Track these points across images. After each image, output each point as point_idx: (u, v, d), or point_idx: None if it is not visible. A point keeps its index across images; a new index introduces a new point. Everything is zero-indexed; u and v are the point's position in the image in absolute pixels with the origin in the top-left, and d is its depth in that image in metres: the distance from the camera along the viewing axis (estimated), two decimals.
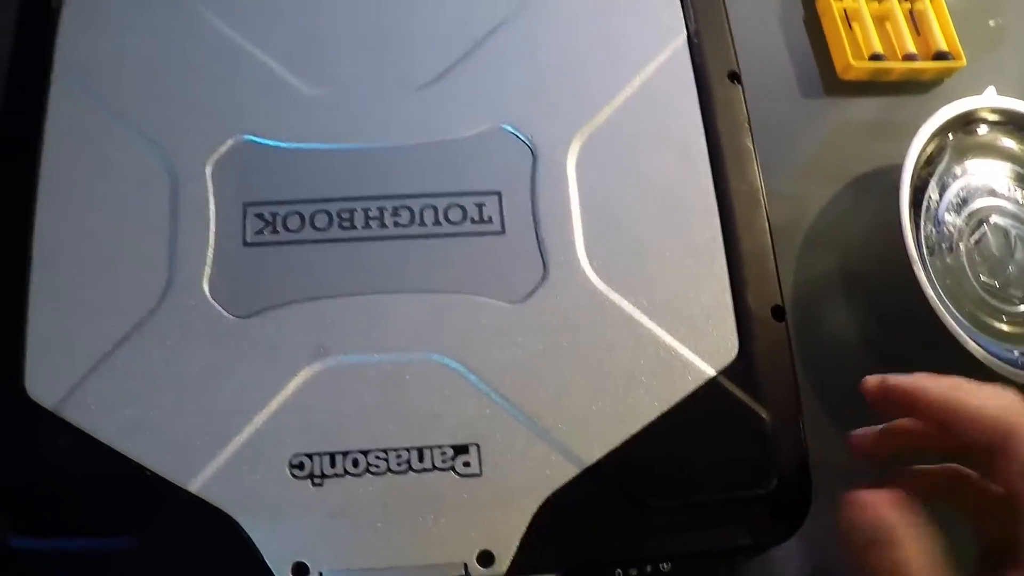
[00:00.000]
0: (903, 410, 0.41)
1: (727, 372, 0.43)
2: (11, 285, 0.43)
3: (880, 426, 0.43)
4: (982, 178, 0.58)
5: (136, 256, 0.44)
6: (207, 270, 0.43)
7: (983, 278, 0.56)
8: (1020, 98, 0.59)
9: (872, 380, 0.42)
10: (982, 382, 0.39)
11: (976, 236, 0.57)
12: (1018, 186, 0.58)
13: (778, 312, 0.45)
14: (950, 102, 0.57)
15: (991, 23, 0.69)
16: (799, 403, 0.44)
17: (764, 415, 0.43)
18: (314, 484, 0.40)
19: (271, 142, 0.46)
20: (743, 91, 0.49)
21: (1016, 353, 0.54)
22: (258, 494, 0.40)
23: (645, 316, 0.44)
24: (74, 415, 0.41)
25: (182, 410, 0.41)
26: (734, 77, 0.49)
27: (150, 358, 0.42)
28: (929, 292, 0.51)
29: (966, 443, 0.39)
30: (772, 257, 0.46)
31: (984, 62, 0.66)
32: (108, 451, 0.40)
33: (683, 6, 0.51)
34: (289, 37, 0.48)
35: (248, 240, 0.44)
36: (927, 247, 0.55)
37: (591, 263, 0.44)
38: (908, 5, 0.65)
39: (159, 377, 0.41)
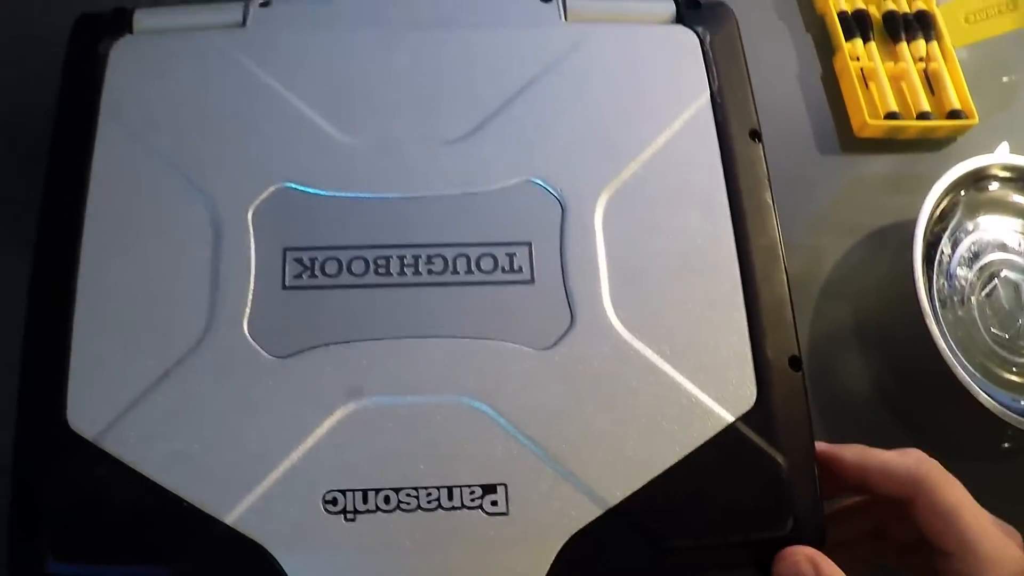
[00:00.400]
0: (831, 475, 0.45)
1: (745, 419, 0.44)
2: (56, 320, 0.44)
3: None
4: (993, 233, 0.59)
5: (178, 296, 0.45)
6: (247, 311, 0.45)
7: (994, 330, 0.57)
8: None
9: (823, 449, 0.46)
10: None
11: (987, 290, 0.58)
12: None
13: (795, 362, 0.46)
14: (963, 159, 0.58)
15: (1004, 80, 0.70)
16: (814, 449, 0.45)
17: (780, 460, 0.44)
18: (347, 519, 0.41)
19: (311, 190, 0.47)
20: (763, 149, 0.50)
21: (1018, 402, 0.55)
22: (292, 528, 0.41)
23: (667, 364, 0.45)
24: (114, 446, 0.42)
25: (220, 445, 0.42)
26: (755, 135, 0.50)
27: (190, 394, 0.43)
28: (940, 344, 0.53)
29: (883, 497, 0.44)
30: (790, 309, 0.47)
31: (997, 118, 0.68)
32: (146, 482, 0.41)
33: (706, 67, 0.52)
34: (329, 90, 0.50)
35: (287, 284, 0.45)
36: (939, 300, 0.56)
37: (616, 312, 0.45)
38: (923, 65, 0.67)
39: (198, 412, 0.43)
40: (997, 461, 0.58)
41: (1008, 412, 0.53)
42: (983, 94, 0.67)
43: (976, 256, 0.59)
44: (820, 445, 0.45)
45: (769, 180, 0.50)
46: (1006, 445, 0.57)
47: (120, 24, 0.51)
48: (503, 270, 0.46)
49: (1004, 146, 0.65)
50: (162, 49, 0.51)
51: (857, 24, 0.67)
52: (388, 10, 0.53)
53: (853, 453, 0.45)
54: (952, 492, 0.43)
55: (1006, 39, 0.67)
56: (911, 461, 0.44)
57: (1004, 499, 0.55)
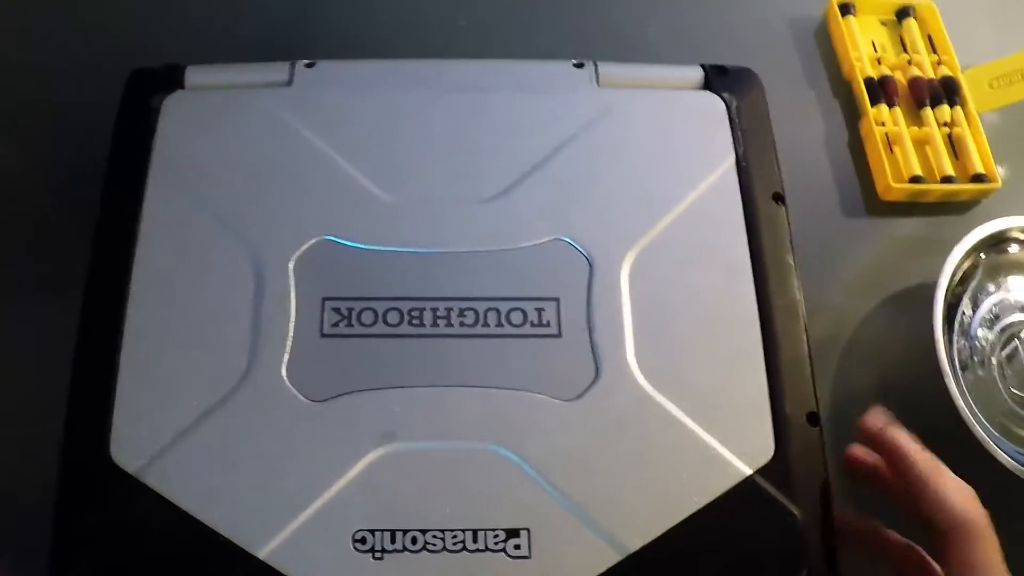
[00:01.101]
0: (887, 459, 0.46)
1: (763, 472, 0.45)
2: (103, 358, 0.46)
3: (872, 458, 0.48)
4: (1014, 295, 0.60)
5: (221, 340, 0.47)
6: (286, 357, 0.46)
7: (1014, 390, 0.57)
8: None
9: (876, 422, 0.47)
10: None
11: (1007, 350, 0.58)
12: None
13: (813, 418, 0.47)
14: (986, 221, 0.59)
15: None
16: (830, 502, 0.45)
17: (796, 513, 0.44)
18: (375, 558, 0.42)
19: (350, 243, 0.49)
20: (787, 211, 0.52)
21: None
22: (322, 564, 0.42)
23: (688, 417, 0.46)
24: (154, 481, 0.44)
25: (255, 483, 0.44)
26: (778, 198, 0.52)
27: (229, 434, 0.45)
28: (960, 404, 0.53)
29: (926, 518, 0.44)
30: (809, 366, 0.48)
31: (1019, 177, 0.69)
32: (184, 516, 0.43)
33: (732, 131, 0.53)
34: (370, 148, 0.52)
35: (325, 331, 0.47)
36: (960, 360, 0.57)
37: (640, 367, 0.47)
38: (947, 130, 0.67)
39: (236, 451, 0.44)
40: (1017, 520, 0.58)
41: None
42: (1009, 157, 0.68)
43: (997, 317, 0.59)
44: (894, 431, 0.47)
45: (791, 241, 0.51)
46: None
47: (172, 79, 0.54)
48: (532, 324, 0.48)
49: None
50: (211, 105, 0.53)
51: (883, 90, 0.68)
52: (429, 73, 0.55)
53: (927, 467, 0.45)
54: (987, 552, 0.43)
55: None
56: (967, 508, 0.44)
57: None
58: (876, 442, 0.47)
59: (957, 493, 0.44)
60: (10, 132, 0.65)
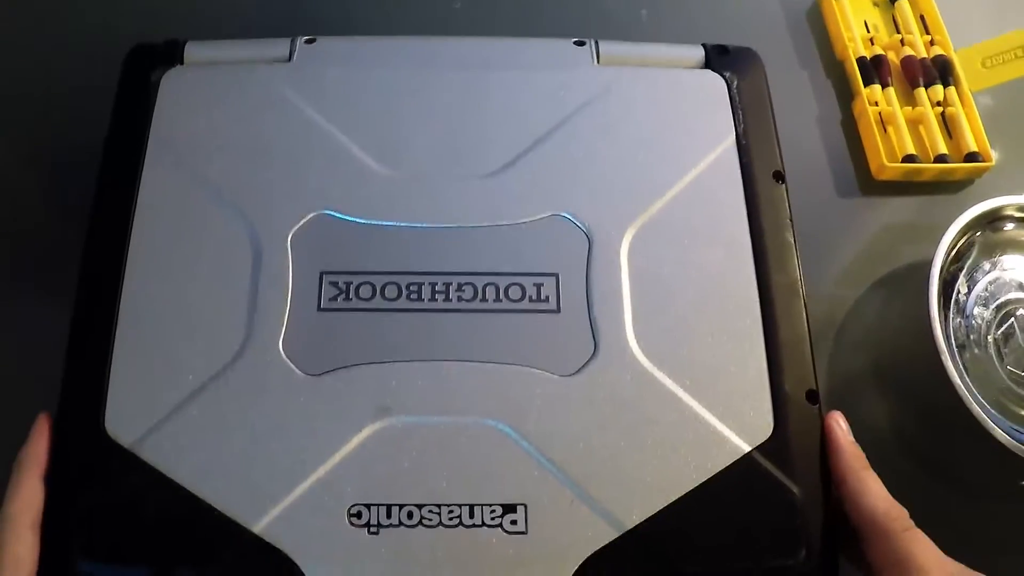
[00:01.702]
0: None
1: (761, 449, 0.45)
2: (99, 332, 0.46)
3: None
4: (1010, 273, 0.60)
5: (218, 314, 0.47)
6: (283, 331, 0.46)
7: (1010, 368, 0.57)
8: None
9: (834, 421, 0.47)
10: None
11: (1004, 329, 0.58)
12: None
13: (812, 395, 0.47)
14: (981, 200, 0.59)
15: None
16: (829, 480, 0.46)
17: (795, 490, 0.45)
18: (370, 532, 0.43)
19: (348, 218, 0.49)
20: (786, 190, 0.52)
21: None
22: (317, 539, 0.42)
23: (687, 394, 0.46)
24: (149, 454, 0.44)
25: (251, 457, 0.44)
26: (779, 177, 0.52)
27: (225, 407, 0.45)
28: (957, 382, 0.53)
29: (847, 510, 0.45)
30: (808, 344, 0.48)
31: (1016, 160, 0.69)
32: (179, 489, 0.43)
33: (733, 110, 0.53)
34: (369, 124, 0.52)
35: (322, 306, 0.47)
36: (956, 339, 0.57)
37: (638, 343, 0.47)
38: (940, 109, 0.68)
39: (232, 425, 0.44)
40: (1015, 499, 0.59)
41: None
42: (1003, 136, 0.69)
43: (993, 295, 0.59)
44: (835, 427, 0.47)
45: (791, 220, 0.51)
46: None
47: (172, 55, 0.54)
48: (530, 299, 0.48)
49: None
50: (211, 80, 0.53)
51: (876, 69, 0.68)
52: (429, 50, 0.55)
53: (851, 458, 0.46)
54: (911, 544, 0.42)
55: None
56: (883, 504, 0.44)
57: (1020, 533, 0.56)
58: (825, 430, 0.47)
59: (875, 489, 0.45)
60: (7, 109, 0.65)
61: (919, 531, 0.43)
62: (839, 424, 0.47)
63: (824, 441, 0.47)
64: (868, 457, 0.46)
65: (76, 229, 0.49)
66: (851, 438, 0.47)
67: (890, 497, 0.44)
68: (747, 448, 0.45)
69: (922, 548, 0.42)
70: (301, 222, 0.49)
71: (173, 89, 0.52)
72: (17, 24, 0.68)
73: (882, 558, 0.43)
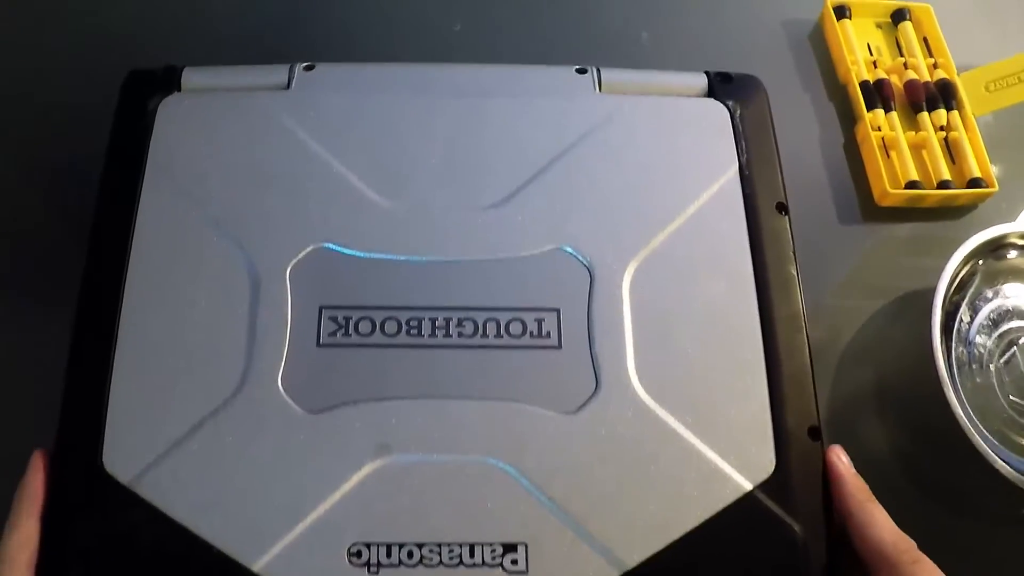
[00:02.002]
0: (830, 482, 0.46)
1: (763, 487, 0.45)
2: (96, 366, 0.46)
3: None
4: (1012, 301, 0.60)
5: (216, 349, 0.46)
6: (282, 366, 0.46)
7: (1012, 397, 0.57)
8: None
9: (835, 455, 0.47)
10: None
11: (1006, 357, 0.58)
12: None
13: (814, 432, 0.47)
14: (983, 226, 0.59)
15: None
16: (831, 518, 0.45)
17: (796, 529, 0.44)
18: (370, 572, 0.42)
19: (348, 251, 0.48)
20: (790, 221, 0.51)
21: None
22: None
23: (689, 431, 0.46)
24: (147, 491, 0.43)
25: (251, 495, 0.43)
26: (782, 208, 0.51)
27: (223, 444, 0.44)
28: (958, 411, 0.53)
29: (854, 546, 0.44)
30: (811, 379, 0.48)
31: (1018, 185, 0.68)
32: (177, 527, 0.43)
33: (736, 140, 0.53)
34: (369, 153, 0.51)
35: (322, 341, 0.47)
36: (958, 367, 0.57)
37: (640, 379, 0.46)
38: (943, 134, 0.67)
39: (231, 462, 0.44)
40: (1017, 524, 0.59)
41: None
42: (1005, 160, 0.68)
43: (995, 324, 0.59)
44: (837, 460, 0.47)
45: (795, 252, 0.51)
46: None
47: (169, 81, 0.53)
48: (531, 335, 0.47)
49: None
50: (209, 107, 0.52)
51: (879, 93, 0.68)
52: (429, 77, 0.54)
53: (855, 490, 0.46)
54: None
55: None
56: (891, 537, 0.44)
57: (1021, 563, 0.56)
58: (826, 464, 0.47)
59: (882, 521, 0.44)
60: (5, 134, 0.65)
61: (928, 561, 0.43)
62: (840, 458, 0.47)
63: (827, 476, 0.46)
64: (869, 483, 0.46)
65: (76, 250, 0.48)
66: (853, 470, 0.47)
67: (897, 529, 0.44)
68: (749, 486, 0.45)
69: None
70: (300, 255, 0.48)
71: (171, 117, 0.52)
72: (16, 36, 0.69)
73: None
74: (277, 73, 0.54)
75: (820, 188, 0.66)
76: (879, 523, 0.44)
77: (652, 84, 0.55)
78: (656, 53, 0.71)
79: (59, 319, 0.47)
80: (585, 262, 0.49)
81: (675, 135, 0.53)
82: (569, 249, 0.49)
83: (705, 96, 0.55)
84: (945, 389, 0.54)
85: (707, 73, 0.56)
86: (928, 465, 0.59)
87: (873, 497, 0.46)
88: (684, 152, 0.53)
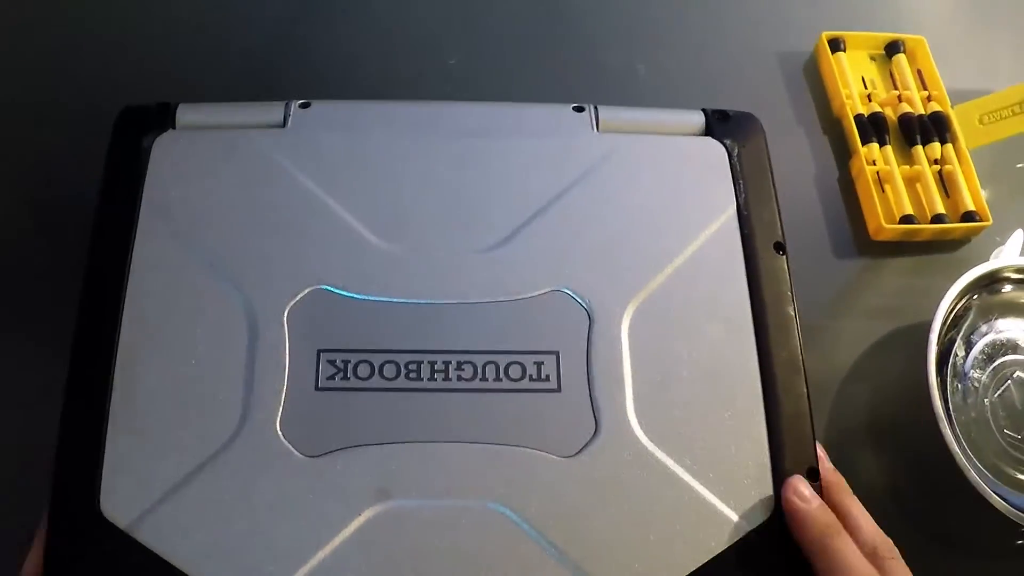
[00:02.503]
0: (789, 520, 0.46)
1: (762, 529, 0.45)
2: (93, 410, 0.45)
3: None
4: (1007, 335, 0.60)
5: (213, 393, 0.46)
6: (280, 410, 0.46)
7: (1007, 431, 0.58)
8: None
9: (792, 492, 0.46)
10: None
11: (1000, 391, 0.59)
12: None
13: (812, 473, 0.47)
14: (978, 259, 0.60)
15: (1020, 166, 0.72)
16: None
17: (795, 572, 0.44)
18: None
19: (346, 293, 0.48)
20: (787, 261, 0.51)
21: None
22: None
23: (688, 474, 0.46)
24: (146, 536, 0.43)
25: (250, 540, 0.43)
26: (779, 248, 0.52)
27: (222, 488, 0.44)
28: (954, 447, 0.54)
29: None
30: (809, 421, 0.48)
31: (1012, 217, 0.69)
32: (176, 573, 0.42)
33: (734, 179, 0.53)
34: (367, 194, 0.51)
35: (320, 385, 0.46)
36: (953, 401, 0.57)
37: (639, 422, 0.46)
38: (937, 167, 0.68)
39: (230, 507, 0.44)
40: (1010, 558, 0.59)
41: (1019, 513, 0.53)
42: (1001, 193, 0.69)
43: (990, 358, 0.60)
44: (797, 502, 0.45)
45: (792, 292, 0.51)
46: (1020, 542, 0.58)
47: (163, 118, 0.53)
48: (531, 378, 0.47)
49: (1018, 233, 0.66)
50: (203, 146, 0.52)
51: (873, 127, 0.68)
52: (427, 116, 0.54)
53: (819, 533, 0.44)
54: None
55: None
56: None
57: None
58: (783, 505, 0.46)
59: (850, 563, 0.43)
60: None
61: None
62: (799, 492, 0.46)
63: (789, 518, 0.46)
64: None
65: (71, 292, 0.48)
66: (817, 502, 0.45)
67: (865, 565, 0.43)
68: (748, 528, 0.45)
69: None
70: (298, 297, 0.48)
71: (165, 155, 0.52)
72: (10, 73, 0.68)
73: None
74: (273, 111, 0.54)
75: (815, 222, 0.67)
76: (843, 566, 0.43)
77: (650, 123, 0.55)
78: (652, 86, 0.71)
79: (55, 363, 0.47)
80: (584, 304, 0.49)
81: (673, 175, 0.53)
82: (568, 291, 0.49)
83: (703, 134, 0.55)
84: (940, 424, 0.54)
85: (704, 111, 0.56)
86: (922, 499, 0.59)
87: (839, 529, 0.45)
88: (682, 192, 0.53)
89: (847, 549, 0.44)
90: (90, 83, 0.67)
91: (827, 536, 0.44)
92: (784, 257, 0.52)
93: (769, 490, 0.46)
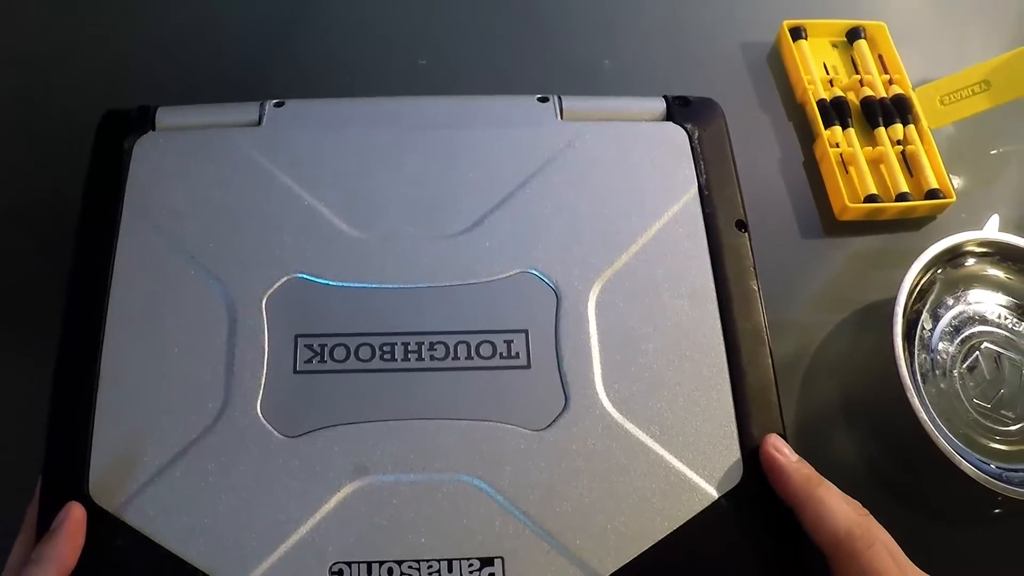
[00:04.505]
0: (769, 476, 0.47)
1: (731, 495, 0.46)
2: (80, 399, 0.47)
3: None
4: (973, 307, 0.61)
5: (196, 379, 0.47)
6: (260, 394, 0.47)
7: (976, 400, 0.59)
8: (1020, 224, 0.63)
9: (772, 448, 0.47)
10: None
11: (969, 362, 0.60)
12: (1007, 313, 0.62)
13: None
14: (943, 236, 0.60)
15: (993, 152, 0.73)
16: (799, 525, 0.46)
17: (765, 535, 0.46)
18: None
19: (321, 280, 0.50)
20: (749, 238, 0.53)
21: (1005, 469, 0.57)
22: None
23: (657, 444, 0.47)
24: (133, 518, 0.44)
25: (233, 518, 0.44)
26: (741, 225, 0.53)
27: (206, 470, 0.45)
28: (922, 415, 0.54)
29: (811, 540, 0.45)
30: (775, 390, 0.49)
31: (976, 195, 0.70)
32: (163, 552, 0.44)
33: (695, 161, 0.55)
34: (340, 186, 0.53)
35: (298, 368, 0.48)
36: (921, 374, 0.58)
37: (608, 395, 0.48)
38: (901, 148, 0.69)
39: (214, 487, 0.45)
40: (987, 527, 0.60)
41: (991, 480, 0.54)
42: (966, 171, 0.70)
43: (957, 330, 0.61)
44: (775, 454, 0.47)
45: (755, 267, 0.52)
46: (996, 511, 0.59)
47: (144, 121, 0.55)
48: (501, 356, 0.48)
49: (994, 219, 0.67)
50: (183, 145, 0.54)
51: (836, 111, 0.70)
52: (396, 110, 0.56)
53: (801, 482, 0.46)
54: (877, 563, 0.43)
55: (988, 116, 0.69)
56: (844, 523, 0.44)
57: (996, 562, 0.58)
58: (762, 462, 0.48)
59: (834, 507, 0.45)
60: None
61: (882, 542, 0.43)
62: (778, 448, 0.47)
63: (767, 472, 0.47)
64: (836, 486, 0.47)
65: (56, 287, 0.50)
66: (795, 457, 0.47)
67: (849, 513, 0.44)
68: (717, 495, 0.46)
69: (890, 567, 0.43)
70: (275, 286, 0.50)
71: (146, 155, 0.53)
72: None
73: None
74: (248, 110, 0.55)
75: (782, 205, 0.68)
76: (829, 512, 0.44)
77: (612, 110, 0.57)
78: (619, 81, 0.72)
79: (43, 356, 0.48)
80: (551, 284, 0.50)
81: (635, 158, 0.55)
82: (535, 272, 0.51)
83: (664, 120, 0.57)
84: (909, 394, 0.55)
85: (665, 97, 0.57)
86: (897, 470, 0.60)
87: (821, 481, 0.46)
88: (645, 175, 0.54)
89: (831, 495, 0.45)
90: (73, 88, 0.69)
91: (810, 485, 0.45)
92: (746, 235, 0.53)
93: (737, 457, 0.47)
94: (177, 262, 0.50)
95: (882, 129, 0.69)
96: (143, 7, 0.73)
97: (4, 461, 0.47)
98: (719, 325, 0.50)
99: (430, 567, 0.44)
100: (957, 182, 0.70)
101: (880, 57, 0.74)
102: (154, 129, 0.54)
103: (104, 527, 0.44)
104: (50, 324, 0.49)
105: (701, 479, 0.47)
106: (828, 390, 0.62)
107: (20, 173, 0.66)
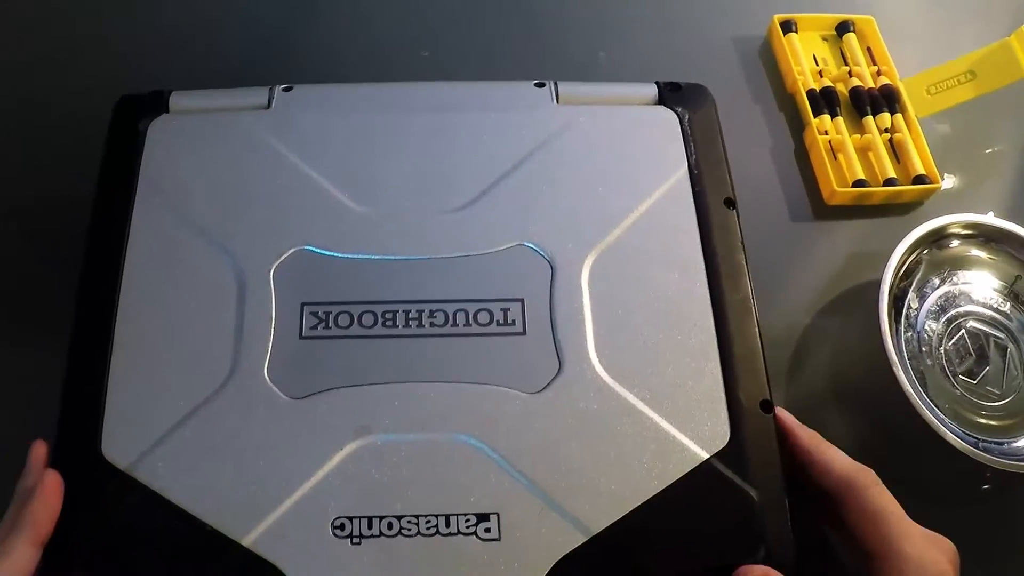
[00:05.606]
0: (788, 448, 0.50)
1: (719, 456, 0.48)
2: (94, 363, 0.49)
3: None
4: (958, 287, 0.63)
5: (206, 343, 0.49)
6: (267, 358, 0.49)
7: (961, 376, 0.60)
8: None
9: (783, 414, 0.51)
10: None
11: (954, 340, 0.61)
12: (991, 293, 0.63)
13: (766, 405, 0.50)
14: (929, 220, 0.62)
15: (988, 151, 0.74)
16: (785, 485, 0.48)
17: (752, 494, 0.47)
18: (353, 543, 0.45)
19: (327, 252, 0.52)
20: (737, 214, 0.54)
21: (990, 442, 0.58)
22: (303, 550, 0.45)
23: (647, 407, 0.49)
24: (144, 476, 0.46)
25: (240, 475, 0.46)
26: (729, 203, 0.55)
27: (214, 430, 0.47)
28: (909, 391, 0.56)
29: (816, 484, 0.49)
30: (761, 357, 0.51)
31: (967, 181, 0.72)
32: (172, 507, 0.46)
33: (685, 142, 0.56)
34: (345, 165, 0.55)
35: (304, 334, 0.50)
36: (908, 352, 0.60)
37: (600, 360, 0.50)
38: (888, 136, 0.71)
39: (221, 446, 0.47)
40: (978, 503, 0.61)
41: (977, 452, 0.55)
42: (954, 158, 0.72)
43: (943, 309, 0.62)
44: (785, 417, 0.50)
45: (743, 243, 0.54)
46: (986, 487, 0.60)
47: (158, 104, 0.57)
48: (498, 323, 0.50)
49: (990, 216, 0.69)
50: (195, 128, 0.56)
51: (825, 101, 0.71)
52: (399, 95, 0.58)
53: (809, 438, 0.50)
54: (880, 497, 0.47)
55: (973, 107, 0.71)
56: (850, 467, 0.48)
57: (987, 538, 0.58)
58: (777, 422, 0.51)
59: (839, 456, 0.49)
60: (3, 158, 0.68)
61: (884, 487, 0.48)
62: (788, 415, 0.51)
63: (779, 433, 0.50)
64: None
65: (73, 260, 0.52)
66: (802, 425, 0.51)
67: (855, 462, 0.49)
68: (705, 455, 0.48)
69: (892, 500, 0.47)
70: (282, 257, 0.52)
71: (160, 136, 0.55)
72: (12, 65, 0.72)
73: (859, 513, 0.47)
74: (258, 95, 0.57)
75: (773, 191, 0.69)
76: (839, 459, 0.49)
77: (606, 95, 0.59)
78: (614, 73, 0.74)
79: (60, 323, 0.50)
80: (546, 256, 0.52)
81: (628, 140, 0.57)
82: (531, 245, 0.53)
83: (656, 104, 0.59)
84: (895, 369, 0.56)
85: (657, 83, 0.59)
86: (888, 449, 0.61)
87: (826, 441, 0.50)
88: (637, 154, 0.56)
89: (836, 449, 0.49)
90: (91, 74, 0.71)
91: (817, 441, 0.50)
92: (734, 212, 0.55)
93: (724, 421, 0.49)
94: (189, 235, 0.52)
95: (870, 118, 0.71)
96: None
97: (4, 460, 0.48)
98: (708, 296, 0.52)
99: (428, 522, 0.46)
100: (952, 180, 0.71)
101: (868, 50, 0.75)
102: (168, 112, 0.57)
103: (116, 484, 0.46)
104: (50, 322, 0.51)
105: (690, 441, 0.48)
106: (819, 370, 0.63)
107: (41, 157, 0.68)
